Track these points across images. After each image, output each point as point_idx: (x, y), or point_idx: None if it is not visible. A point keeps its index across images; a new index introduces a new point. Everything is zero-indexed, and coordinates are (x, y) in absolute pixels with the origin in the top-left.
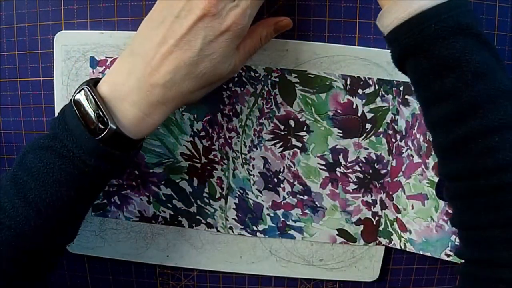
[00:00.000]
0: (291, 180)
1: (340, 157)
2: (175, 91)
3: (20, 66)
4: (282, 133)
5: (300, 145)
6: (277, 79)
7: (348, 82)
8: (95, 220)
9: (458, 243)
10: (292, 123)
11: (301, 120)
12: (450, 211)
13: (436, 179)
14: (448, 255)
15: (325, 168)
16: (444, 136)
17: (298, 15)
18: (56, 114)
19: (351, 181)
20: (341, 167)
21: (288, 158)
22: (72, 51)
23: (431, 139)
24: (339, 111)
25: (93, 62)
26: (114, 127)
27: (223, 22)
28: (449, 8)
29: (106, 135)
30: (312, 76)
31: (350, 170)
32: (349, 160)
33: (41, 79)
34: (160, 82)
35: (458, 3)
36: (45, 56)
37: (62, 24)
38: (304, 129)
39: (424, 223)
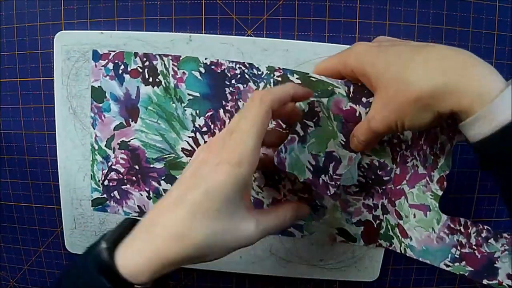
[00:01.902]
0: (292, 178)
1: (331, 165)
2: None
3: (20, 66)
4: (284, 130)
5: (302, 133)
6: (279, 79)
7: (351, 90)
8: (95, 220)
9: (457, 256)
10: (307, 108)
11: (316, 109)
12: (452, 225)
13: (440, 192)
14: (448, 265)
15: (311, 169)
16: None
17: (298, 15)
18: (56, 114)
19: (329, 194)
20: (326, 176)
21: (283, 144)
22: (72, 51)
23: (437, 152)
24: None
25: (96, 56)
26: None
27: None
28: None
29: None
30: (314, 79)
31: (333, 182)
32: (337, 172)
33: (41, 79)
34: None
35: None
36: (45, 56)
37: (62, 24)
38: (314, 120)
39: (425, 232)
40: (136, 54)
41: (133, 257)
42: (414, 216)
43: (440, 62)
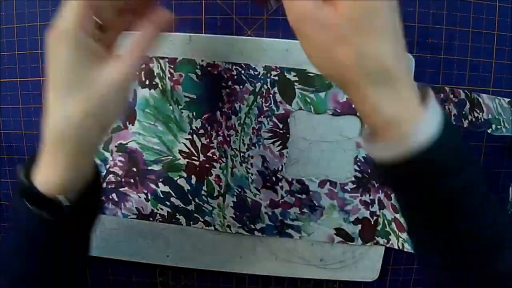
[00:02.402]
0: (289, 179)
1: None
2: None
3: (20, 66)
4: (281, 131)
5: None
6: (276, 78)
7: None
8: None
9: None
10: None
11: None
12: None
13: None
14: None
15: None
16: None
17: None
18: None
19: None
20: None
21: (286, 157)
22: None
23: None
24: (338, 110)
25: None
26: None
27: None
28: (451, 125)
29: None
30: (312, 74)
31: None
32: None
33: (41, 79)
34: None
35: (450, 122)
36: (45, 56)
37: None
38: None
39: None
40: None
41: (44, 171)
42: None
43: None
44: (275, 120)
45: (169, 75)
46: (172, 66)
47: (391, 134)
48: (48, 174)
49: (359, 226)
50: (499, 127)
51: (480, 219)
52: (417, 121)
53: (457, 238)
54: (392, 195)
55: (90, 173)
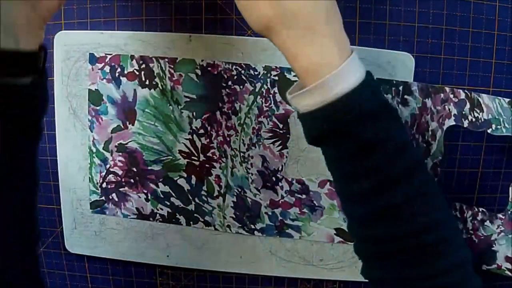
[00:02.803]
0: (289, 179)
1: None
2: None
3: None
4: (281, 131)
5: None
6: (276, 78)
7: None
8: (95, 220)
9: None
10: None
11: None
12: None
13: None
14: None
15: None
16: (364, 207)
17: None
18: (56, 114)
19: None
20: None
21: (286, 157)
22: (72, 51)
23: (429, 140)
24: None
25: (93, 59)
26: None
27: None
28: (367, 90)
29: None
30: None
31: None
32: None
33: None
34: None
35: (371, 83)
36: None
37: (62, 24)
38: None
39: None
40: (132, 57)
41: None
42: None
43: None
44: (275, 120)
45: (169, 75)
46: (172, 66)
47: (310, 80)
48: None
49: None
50: (499, 127)
51: (393, 170)
52: (335, 71)
53: (372, 187)
54: None
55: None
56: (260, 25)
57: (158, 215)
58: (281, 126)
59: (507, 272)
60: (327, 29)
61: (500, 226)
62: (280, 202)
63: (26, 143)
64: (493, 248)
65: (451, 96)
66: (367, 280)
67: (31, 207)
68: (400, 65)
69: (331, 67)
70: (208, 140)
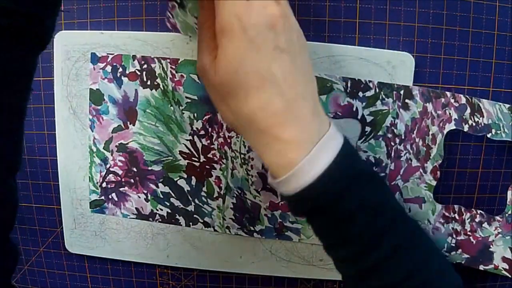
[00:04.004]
0: None
1: None
2: None
3: None
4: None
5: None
6: None
7: (349, 85)
8: (95, 220)
9: (454, 245)
10: None
11: None
12: (447, 214)
13: (434, 183)
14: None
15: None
16: (355, 267)
17: (298, 15)
18: (56, 114)
19: None
20: None
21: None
22: (72, 51)
23: (430, 143)
24: (339, 113)
25: (94, 58)
26: None
27: None
28: (341, 166)
29: None
30: None
31: None
32: None
33: (41, 79)
34: None
35: (346, 156)
36: (45, 56)
37: (62, 24)
38: None
39: (421, 225)
40: (134, 57)
41: None
42: (410, 211)
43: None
44: None
45: (170, 76)
46: (173, 67)
47: (278, 174)
48: None
49: None
50: (499, 132)
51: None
52: (296, 166)
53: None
54: None
55: None
56: (229, 125)
57: (157, 215)
58: None
59: (504, 272)
60: (283, 131)
61: (498, 228)
62: (279, 204)
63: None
64: (490, 249)
65: (452, 100)
66: None
67: (19, 118)
68: (400, 65)
69: (291, 165)
70: (208, 141)
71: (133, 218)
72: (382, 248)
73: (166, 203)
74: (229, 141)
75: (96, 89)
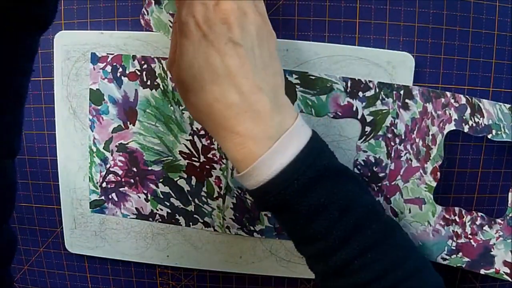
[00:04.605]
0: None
1: None
2: None
3: None
4: None
5: None
6: None
7: (349, 85)
8: (95, 220)
9: (454, 248)
10: None
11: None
12: (447, 216)
13: (434, 184)
14: (444, 259)
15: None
16: (323, 265)
17: (298, 15)
18: (56, 114)
19: None
20: None
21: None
22: (72, 51)
23: (430, 144)
24: (339, 113)
25: (94, 58)
26: None
27: None
28: (306, 160)
29: None
30: (313, 77)
31: None
32: None
33: (41, 79)
34: None
35: (313, 149)
36: (45, 56)
37: (62, 24)
38: None
39: (421, 227)
40: (134, 57)
41: None
42: (410, 211)
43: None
44: None
45: (170, 76)
46: None
47: (239, 168)
48: None
49: None
50: (499, 132)
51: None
52: (258, 159)
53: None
54: (392, 199)
55: None
56: (195, 120)
57: (157, 215)
58: None
59: (505, 276)
60: (238, 124)
61: (499, 231)
62: None
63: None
64: (491, 253)
65: (452, 101)
66: None
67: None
68: (400, 65)
69: (250, 159)
70: (208, 141)
71: (133, 218)
72: (349, 246)
73: (166, 203)
74: None
75: (96, 89)
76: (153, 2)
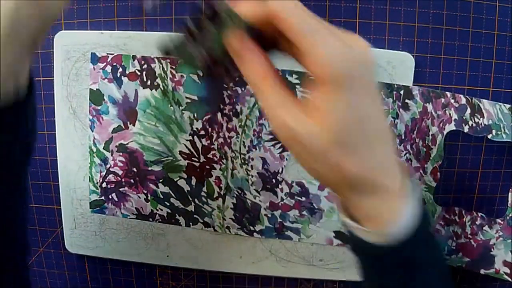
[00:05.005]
0: (289, 181)
1: None
2: None
3: None
4: None
5: None
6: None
7: None
8: (95, 220)
9: (454, 248)
10: None
11: None
12: (447, 216)
13: (434, 184)
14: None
15: None
16: None
17: None
18: (56, 114)
19: None
20: None
21: (286, 159)
22: (72, 51)
23: (430, 144)
24: None
25: (94, 58)
26: None
27: None
28: (425, 215)
29: None
30: (313, 78)
31: None
32: None
33: (41, 79)
34: None
35: (426, 218)
36: (45, 56)
37: (62, 24)
38: None
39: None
40: (134, 57)
41: None
42: None
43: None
44: None
45: (170, 76)
46: (173, 67)
47: (367, 225)
48: None
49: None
50: (499, 133)
51: None
52: (392, 220)
53: None
54: None
55: (22, 75)
56: (319, 181)
57: (157, 215)
58: None
59: (505, 276)
60: (384, 180)
61: (499, 231)
62: (279, 204)
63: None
64: (491, 253)
65: (452, 101)
66: None
67: (21, 225)
68: (400, 65)
69: (391, 215)
70: (208, 141)
71: (133, 218)
72: None
73: (166, 203)
74: (229, 141)
75: (96, 89)
76: (188, 32)
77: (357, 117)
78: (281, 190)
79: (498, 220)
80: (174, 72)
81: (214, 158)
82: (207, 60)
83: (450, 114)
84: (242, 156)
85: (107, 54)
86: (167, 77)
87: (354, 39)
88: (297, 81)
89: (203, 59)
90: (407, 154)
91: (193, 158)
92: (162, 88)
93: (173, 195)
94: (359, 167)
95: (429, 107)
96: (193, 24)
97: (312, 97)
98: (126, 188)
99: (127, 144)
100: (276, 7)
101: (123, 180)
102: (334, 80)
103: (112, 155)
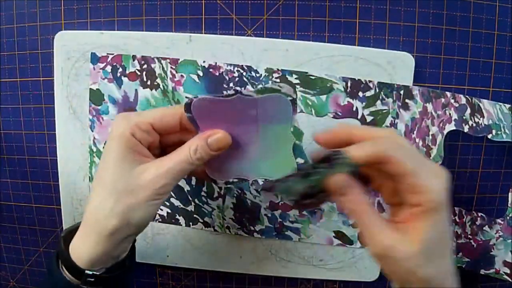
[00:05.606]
0: None
1: None
2: None
3: (20, 66)
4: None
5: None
6: (278, 80)
7: (349, 85)
8: None
9: (454, 248)
10: None
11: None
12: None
13: None
14: None
15: None
16: None
17: (298, 15)
18: (56, 114)
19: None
20: None
21: None
22: (72, 51)
23: (430, 144)
24: (339, 113)
25: (94, 58)
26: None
27: None
28: None
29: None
30: (313, 77)
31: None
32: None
33: (41, 79)
34: None
35: None
36: (45, 56)
37: (62, 24)
38: None
39: None
40: (134, 57)
41: (77, 243)
42: None
43: None
44: None
45: (170, 76)
46: (174, 67)
47: None
48: (79, 248)
49: (359, 229)
50: (499, 132)
51: None
52: None
53: None
54: None
55: (121, 256)
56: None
57: (157, 215)
58: None
59: (505, 276)
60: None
61: (499, 231)
62: (279, 204)
63: None
64: (491, 253)
65: (452, 101)
66: (367, 280)
67: None
68: (400, 65)
69: None
70: None
71: None
72: None
73: (166, 203)
74: None
75: (96, 89)
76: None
77: (442, 233)
78: None
79: (498, 220)
80: (174, 72)
81: None
82: (302, 194)
83: (450, 114)
84: None
85: (107, 54)
86: (167, 77)
87: (440, 167)
88: (297, 81)
89: (300, 193)
90: None
91: None
92: (162, 88)
93: (173, 195)
94: (436, 273)
95: (429, 107)
96: (310, 167)
97: (406, 219)
98: None
99: None
100: (391, 153)
101: None
102: (436, 206)
103: None
